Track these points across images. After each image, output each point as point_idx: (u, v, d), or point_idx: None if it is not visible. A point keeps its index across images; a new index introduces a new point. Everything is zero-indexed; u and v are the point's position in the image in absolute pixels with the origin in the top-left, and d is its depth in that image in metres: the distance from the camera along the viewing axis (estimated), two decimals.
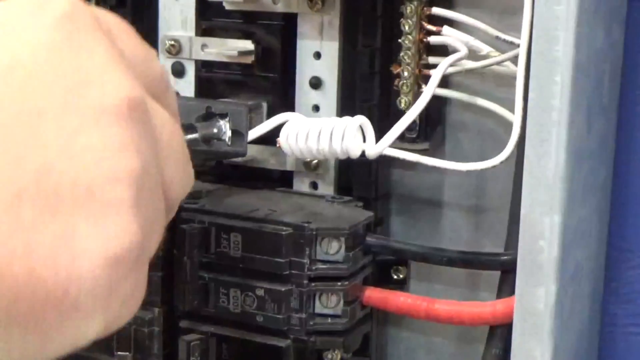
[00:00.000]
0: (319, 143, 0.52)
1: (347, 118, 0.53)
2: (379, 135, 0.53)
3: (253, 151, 0.59)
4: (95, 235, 0.27)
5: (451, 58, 0.54)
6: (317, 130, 0.52)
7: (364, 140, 0.52)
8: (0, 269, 0.25)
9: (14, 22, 0.27)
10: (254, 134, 0.55)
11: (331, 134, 0.52)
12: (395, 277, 0.57)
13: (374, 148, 0.52)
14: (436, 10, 0.56)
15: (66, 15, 0.27)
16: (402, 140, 0.56)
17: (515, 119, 0.50)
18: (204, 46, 0.59)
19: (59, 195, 0.26)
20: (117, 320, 0.29)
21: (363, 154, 0.52)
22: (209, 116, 0.50)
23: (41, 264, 0.26)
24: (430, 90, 0.52)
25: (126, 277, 0.28)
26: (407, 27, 0.55)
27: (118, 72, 0.28)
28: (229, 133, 0.50)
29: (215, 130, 0.50)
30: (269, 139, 0.56)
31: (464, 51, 0.55)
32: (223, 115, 0.50)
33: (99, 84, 0.27)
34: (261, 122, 0.56)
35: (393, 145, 0.52)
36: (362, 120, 0.52)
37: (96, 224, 0.27)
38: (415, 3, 0.55)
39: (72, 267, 0.26)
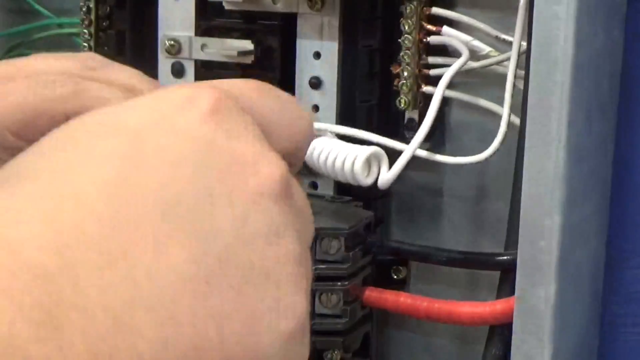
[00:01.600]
0: (334, 168, 0.52)
1: (358, 149, 0.52)
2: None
3: None
4: (272, 313, 0.28)
5: (455, 66, 0.54)
6: (334, 155, 0.53)
7: (379, 169, 0.53)
8: (200, 356, 0.26)
9: (169, 118, 0.28)
10: None
11: (343, 163, 0.52)
12: (395, 277, 0.57)
13: (385, 177, 0.52)
14: (436, 10, 0.56)
15: (214, 107, 0.29)
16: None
17: (504, 115, 0.50)
18: (203, 46, 0.59)
19: (240, 279, 0.27)
20: None
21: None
22: None
23: (232, 346, 0.27)
24: (435, 105, 0.53)
25: (297, 350, 0.30)
26: (407, 27, 0.55)
27: (267, 153, 0.29)
28: None
29: None
30: None
31: (465, 54, 0.54)
32: None
33: (253, 168, 0.29)
34: None
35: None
36: (373, 150, 0.52)
37: (272, 303, 0.29)
38: (415, 3, 0.55)
39: (257, 345, 0.28)
